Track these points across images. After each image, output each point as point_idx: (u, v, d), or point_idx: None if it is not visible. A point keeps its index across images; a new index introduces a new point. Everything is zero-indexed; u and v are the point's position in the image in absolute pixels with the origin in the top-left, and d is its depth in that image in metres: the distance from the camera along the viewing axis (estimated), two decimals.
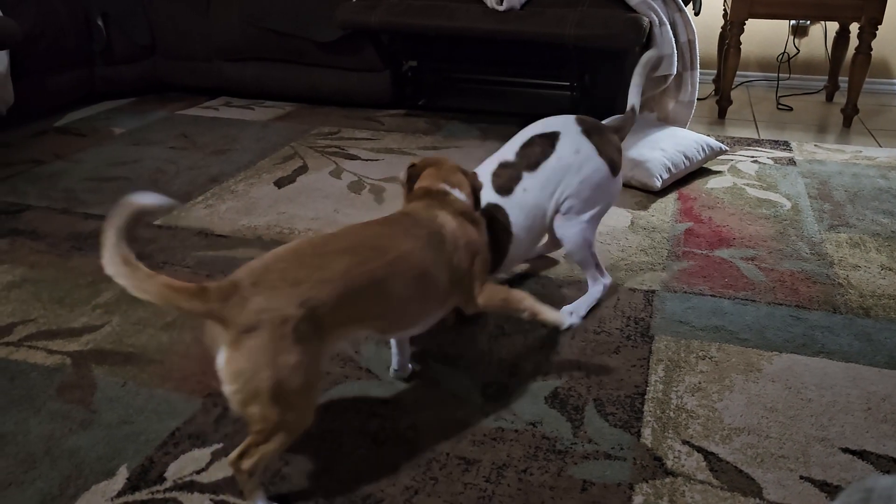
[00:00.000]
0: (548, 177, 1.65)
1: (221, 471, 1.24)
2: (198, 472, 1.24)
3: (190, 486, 1.21)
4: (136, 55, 3.63)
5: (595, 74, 3.19)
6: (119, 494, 1.19)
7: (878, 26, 3.11)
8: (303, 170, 2.67)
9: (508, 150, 1.70)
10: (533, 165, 1.65)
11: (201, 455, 1.28)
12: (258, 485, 1.13)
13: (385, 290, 1.18)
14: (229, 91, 3.68)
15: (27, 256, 2.01)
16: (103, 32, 3.47)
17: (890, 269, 1.94)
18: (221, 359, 1.05)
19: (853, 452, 1.29)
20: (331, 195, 2.43)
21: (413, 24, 2.81)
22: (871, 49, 3.15)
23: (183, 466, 1.26)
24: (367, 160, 2.77)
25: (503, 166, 1.67)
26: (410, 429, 1.34)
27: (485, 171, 1.68)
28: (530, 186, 1.64)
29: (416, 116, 3.37)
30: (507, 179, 1.65)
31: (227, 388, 1.05)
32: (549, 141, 1.68)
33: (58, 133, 3.11)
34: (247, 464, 1.09)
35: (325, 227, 2.19)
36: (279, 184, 2.54)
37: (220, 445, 1.30)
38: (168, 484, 1.22)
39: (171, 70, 3.69)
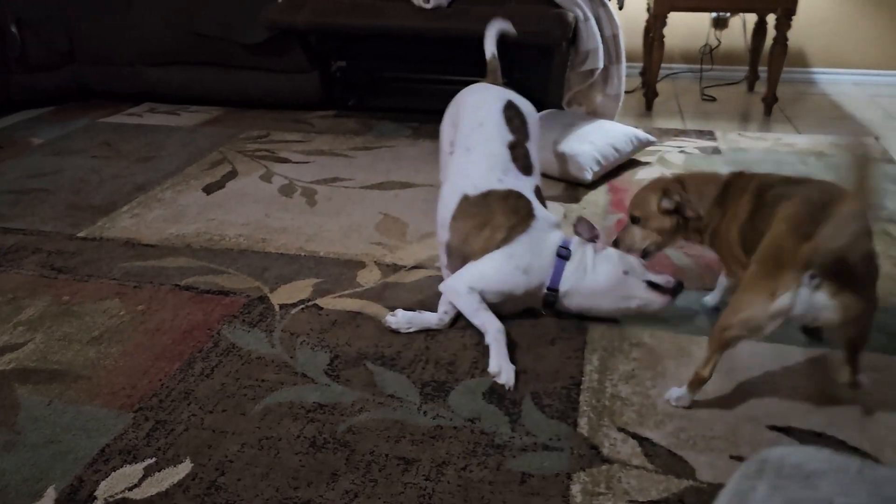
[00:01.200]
0: (534, 138, 1.84)
1: (154, 486, 1.21)
2: (130, 489, 1.20)
3: None
4: (55, 62, 3.49)
5: (524, 70, 3.22)
6: None
7: (793, 17, 3.24)
8: (232, 175, 2.62)
9: (497, 131, 1.79)
10: (527, 135, 1.82)
11: (133, 471, 1.24)
12: None
13: None
14: (154, 97, 3.58)
15: None
16: (17, 39, 3.33)
17: None
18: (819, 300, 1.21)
19: (780, 429, 1.34)
20: (261, 199, 2.39)
21: (340, 24, 2.79)
22: (788, 39, 3.27)
23: (114, 484, 1.22)
24: (298, 163, 2.74)
25: (513, 146, 1.77)
26: (349, 432, 1.33)
27: (493, 155, 1.76)
28: (534, 154, 1.81)
29: (346, 117, 3.34)
30: (524, 158, 1.77)
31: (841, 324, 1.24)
32: (515, 108, 1.84)
33: None
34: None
35: (255, 232, 2.15)
36: (208, 190, 2.48)
37: (153, 460, 1.26)
38: (99, 503, 1.18)
39: (93, 76, 3.56)
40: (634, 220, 1.65)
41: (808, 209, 1.27)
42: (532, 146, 1.82)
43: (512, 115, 1.82)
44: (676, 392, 1.39)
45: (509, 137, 1.77)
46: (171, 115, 3.39)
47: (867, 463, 0.38)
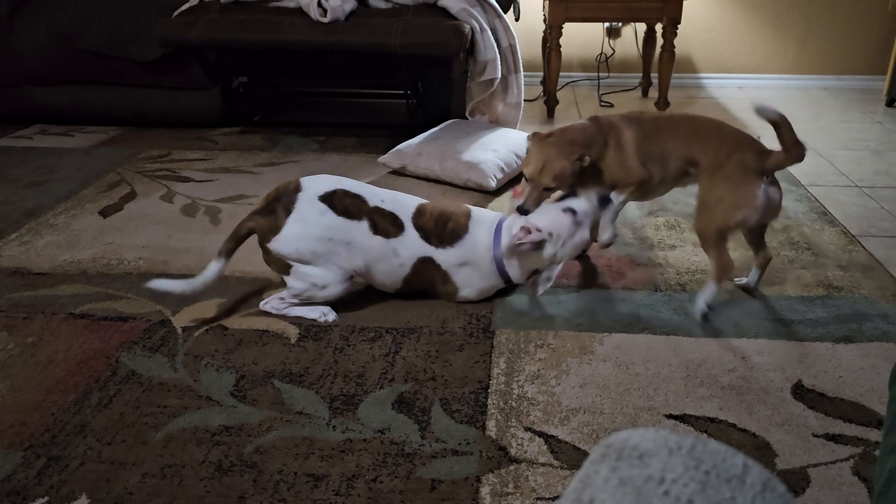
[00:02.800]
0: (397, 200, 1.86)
1: None
2: None
3: None
4: None
5: (427, 81, 3.25)
6: None
7: (679, 26, 3.40)
8: (131, 196, 2.53)
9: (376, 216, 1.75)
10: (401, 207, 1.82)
11: None
12: None
13: None
14: (44, 118, 3.43)
15: None
16: None
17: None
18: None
19: (676, 417, 1.40)
20: (162, 221, 2.32)
21: (236, 39, 2.75)
22: (675, 47, 3.43)
23: None
24: (200, 181, 2.67)
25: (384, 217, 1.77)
26: (256, 452, 1.31)
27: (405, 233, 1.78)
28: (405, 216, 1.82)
29: (251, 133, 3.29)
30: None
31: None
32: (331, 195, 1.74)
33: None
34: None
35: (156, 254, 2.09)
36: (105, 213, 2.39)
37: (45, 499, 1.20)
38: None
39: None
40: (549, 189, 1.79)
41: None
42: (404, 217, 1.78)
43: (339, 198, 1.71)
44: (704, 297, 1.71)
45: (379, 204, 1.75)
46: (65, 137, 3.25)
47: (700, 440, 0.41)
